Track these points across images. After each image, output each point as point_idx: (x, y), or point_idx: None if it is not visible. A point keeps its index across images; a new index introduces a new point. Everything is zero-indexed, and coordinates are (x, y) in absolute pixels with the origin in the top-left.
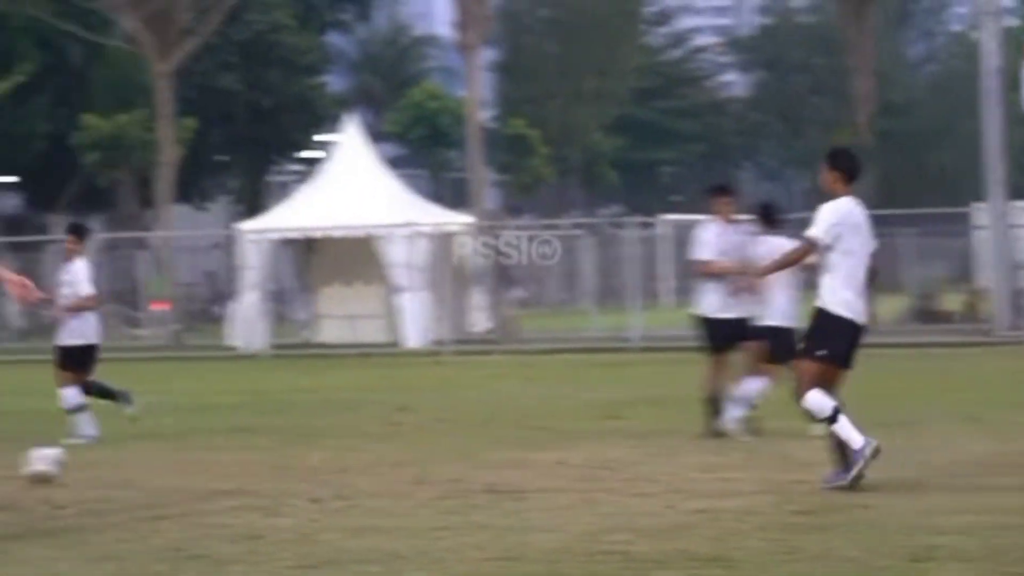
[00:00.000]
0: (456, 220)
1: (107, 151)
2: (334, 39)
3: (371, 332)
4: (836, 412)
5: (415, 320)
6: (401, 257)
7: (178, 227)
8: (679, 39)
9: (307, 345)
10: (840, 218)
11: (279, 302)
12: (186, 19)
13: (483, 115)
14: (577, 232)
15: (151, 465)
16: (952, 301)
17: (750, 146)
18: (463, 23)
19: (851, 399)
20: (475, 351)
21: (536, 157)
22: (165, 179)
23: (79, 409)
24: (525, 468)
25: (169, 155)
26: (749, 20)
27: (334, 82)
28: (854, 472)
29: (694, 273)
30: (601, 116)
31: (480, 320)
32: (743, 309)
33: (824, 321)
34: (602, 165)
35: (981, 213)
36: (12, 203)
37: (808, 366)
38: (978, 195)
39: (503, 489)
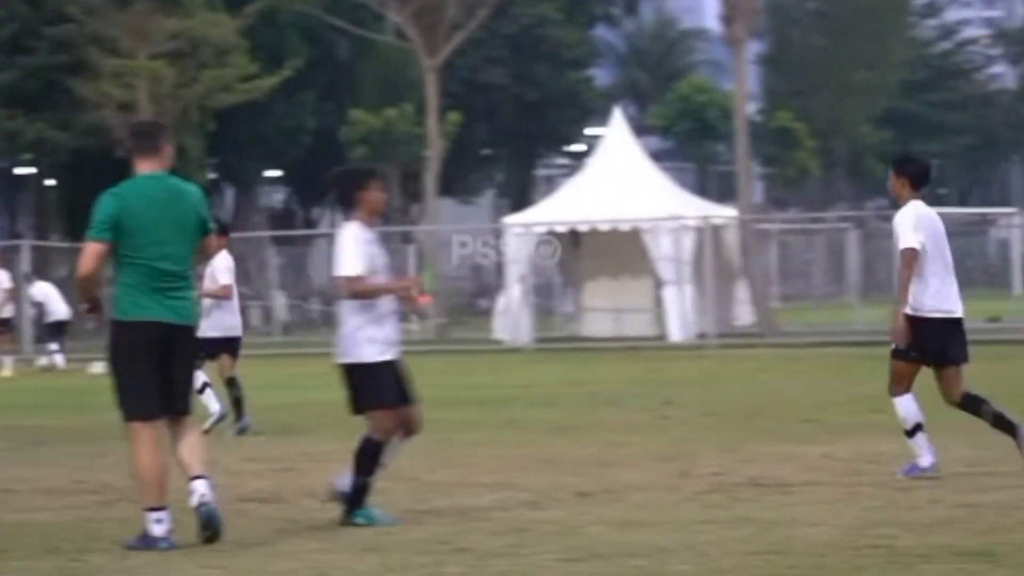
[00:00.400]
0: (721, 213)
1: (374, 145)
2: (601, 33)
3: (636, 325)
4: (917, 427)
5: (679, 313)
6: (667, 250)
7: (443, 221)
8: (948, 31)
9: (572, 338)
10: (917, 220)
11: (544, 296)
12: (454, 14)
13: (750, 108)
14: (843, 225)
15: (417, 458)
16: None
17: (1019, 139)
18: (731, 17)
19: None
20: (739, 344)
21: (802, 150)
22: (431, 173)
23: (204, 388)
24: (790, 462)
25: (435, 149)
26: (1019, 11)
27: (600, 76)
28: (911, 473)
29: None
30: (869, 109)
31: (743, 313)
32: None
33: (914, 326)
34: (869, 158)
35: None
36: (278, 197)
37: (897, 365)
38: None
39: (768, 483)
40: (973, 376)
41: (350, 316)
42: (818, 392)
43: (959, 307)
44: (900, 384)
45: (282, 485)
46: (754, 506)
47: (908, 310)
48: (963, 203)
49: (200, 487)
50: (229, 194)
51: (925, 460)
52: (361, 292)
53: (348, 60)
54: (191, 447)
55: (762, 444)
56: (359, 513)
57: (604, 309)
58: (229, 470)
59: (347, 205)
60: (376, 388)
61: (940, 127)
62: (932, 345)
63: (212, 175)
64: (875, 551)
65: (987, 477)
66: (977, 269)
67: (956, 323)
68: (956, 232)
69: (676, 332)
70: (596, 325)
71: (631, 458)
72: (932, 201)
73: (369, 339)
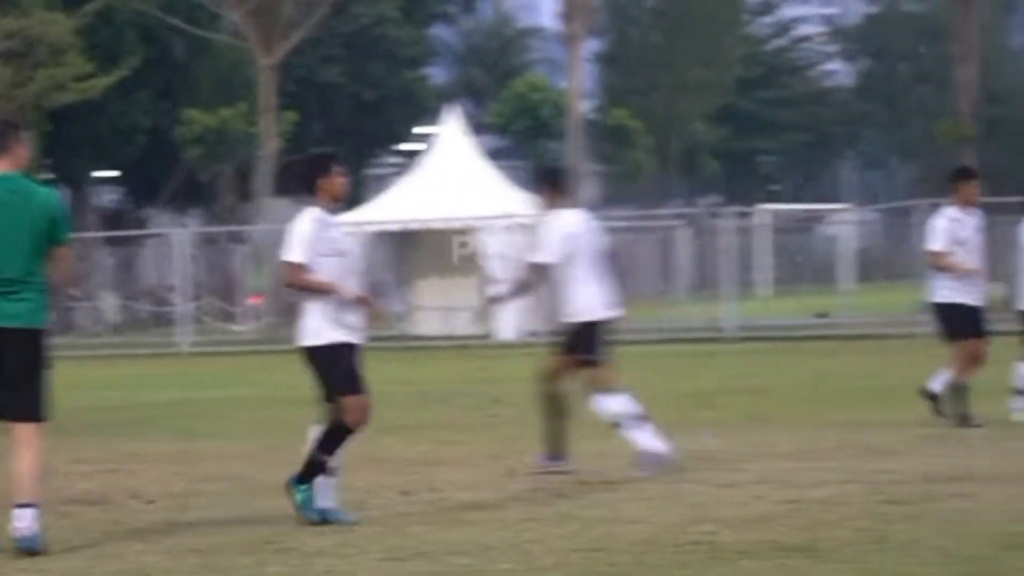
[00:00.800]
0: None
1: (209, 145)
2: (439, 31)
3: (467, 324)
4: (640, 419)
5: (510, 312)
6: (498, 248)
7: (277, 220)
8: (783, 28)
9: (402, 337)
10: (564, 234)
11: (375, 294)
12: (292, 13)
13: (585, 106)
14: (675, 223)
15: (246, 458)
16: None
17: (853, 135)
18: (568, 14)
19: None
20: None
21: (638, 148)
22: (265, 173)
23: None
24: (616, 458)
25: (270, 149)
26: (855, 9)
27: (437, 74)
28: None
29: (929, 263)
30: (704, 106)
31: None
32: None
33: (588, 330)
34: (703, 155)
35: None
36: (112, 197)
37: (593, 373)
38: None
39: (593, 480)
40: (801, 371)
41: (314, 300)
42: (646, 389)
43: (611, 307)
44: (601, 390)
45: (109, 486)
46: (578, 503)
47: (576, 317)
48: (796, 200)
49: (22, 518)
50: (64, 194)
51: (653, 448)
52: (298, 283)
53: (184, 59)
54: (23, 466)
55: (589, 441)
56: (302, 489)
57: (434, 308)
58: (57, 472)
59: (309, 192)
60: (347, 372)
61: (774, 124)
62: (601, 345)
63: (47, 175)
64: (697, 547)
65: (812, 473)
66: (805, 265)
67: (609, 322)
68: (788, 229)
69: (507, 330)
70: (426, 324)
71: (459, 457)
72: (766, 198)
73: (333, 321)
